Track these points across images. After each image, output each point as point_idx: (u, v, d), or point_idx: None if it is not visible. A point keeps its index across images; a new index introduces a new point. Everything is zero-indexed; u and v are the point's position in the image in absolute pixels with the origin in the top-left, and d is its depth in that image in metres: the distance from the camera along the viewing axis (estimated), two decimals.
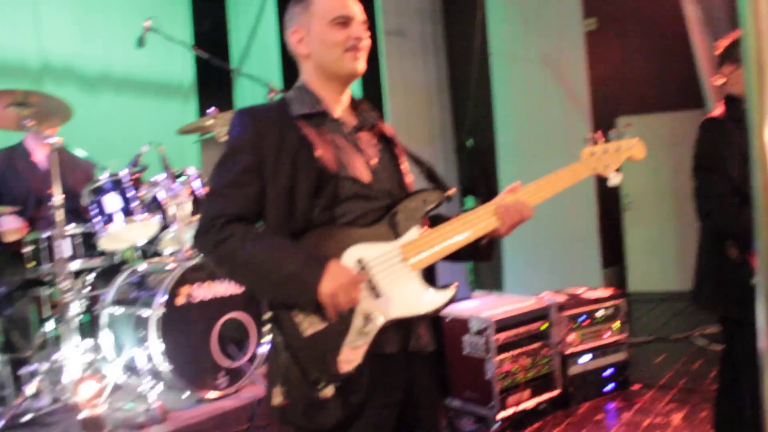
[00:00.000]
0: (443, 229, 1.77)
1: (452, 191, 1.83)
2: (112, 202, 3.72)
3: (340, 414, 1.63)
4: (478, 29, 6.84)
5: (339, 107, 1.86)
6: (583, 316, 4.17)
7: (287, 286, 1.62)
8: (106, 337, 3.72)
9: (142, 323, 3.44)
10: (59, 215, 3.51)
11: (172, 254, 4.03)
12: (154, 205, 3.85)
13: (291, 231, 1.69)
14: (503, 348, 3.80)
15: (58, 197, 3.50)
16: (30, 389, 3.38)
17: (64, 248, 3.62)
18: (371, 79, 7.07)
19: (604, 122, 6.72)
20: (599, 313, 4.23)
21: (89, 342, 3.66)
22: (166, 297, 3.38)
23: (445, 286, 1.74)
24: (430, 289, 1.73)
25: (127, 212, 3.72)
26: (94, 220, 3.75)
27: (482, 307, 3.98)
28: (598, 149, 1.91)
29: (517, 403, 3.79)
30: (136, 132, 6.40)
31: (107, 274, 3.99)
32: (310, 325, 1.63)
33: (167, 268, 3.62)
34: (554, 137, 6.47)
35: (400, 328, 1.73)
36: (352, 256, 1.69)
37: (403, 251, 1.72)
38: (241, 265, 1.65)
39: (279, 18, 7.63)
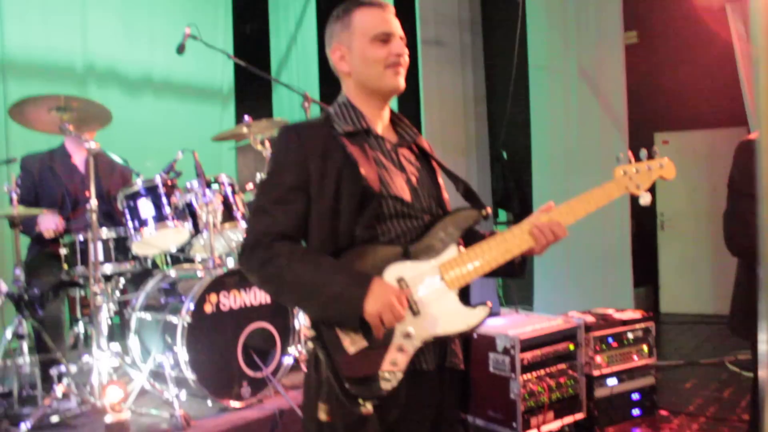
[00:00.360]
0: (480, 248, 1.80)
1: (489, 210, 1.86)
2: (146, 207, 3.78)
3: (378, 430, 1.68)
4: (517, 41, 6.81)
5: (380, 123, 1.90)
6: (611, 338, 4.11)
7: (333, 307, 1.65)
8: (134, 341, 3.78)
9: (169, 330, 3.48)
10: (94, 219, 3.57)
11: (202, 261, 4.08)
12: (187, 212, 3.90)
13: (334, 248, 1.73)
14: (529, 368, 3.76)
15: (93, 201, 3.57)
16: (59, 390, 3.45)
17: (98, 252, 3.69)
18: (407, 88, 7.03)
19: (641, 138, 6.66)
20: (628, 336, 4.17)
21: (118, 345, 3.71)
22: (194, 305, 3.42)
23: (480, 304, 1.78)
24: (466, 307, 1.77)
25: (160, 218, 3.78)
26: (128, 225, 3.81)
27: (509, 325, 3.95)
28: (630, 169, 1.92)
29: (541, 425, 3.75)
30: (175, 135, 6.53)
31: (138, 279, 4.06)
32: (352, 343, 1.66)
33: (197, 275, 3.66)
34: (590, 152, 6.41)
35: (437, 345, 1.78)
36: (392, 274, 1.72)
37: (441, 270, 1.76)
38: (287, 285, 1.69)
39: (319, 24, 7.68)
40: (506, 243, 1.82)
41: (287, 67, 8.07)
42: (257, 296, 3.67)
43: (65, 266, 3.88)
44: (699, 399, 4.53)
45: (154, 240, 3.81)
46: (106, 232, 3.86)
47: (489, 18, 8.10)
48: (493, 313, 3.54)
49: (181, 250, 4.14)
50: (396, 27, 1.86)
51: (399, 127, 1.96)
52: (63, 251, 3.88)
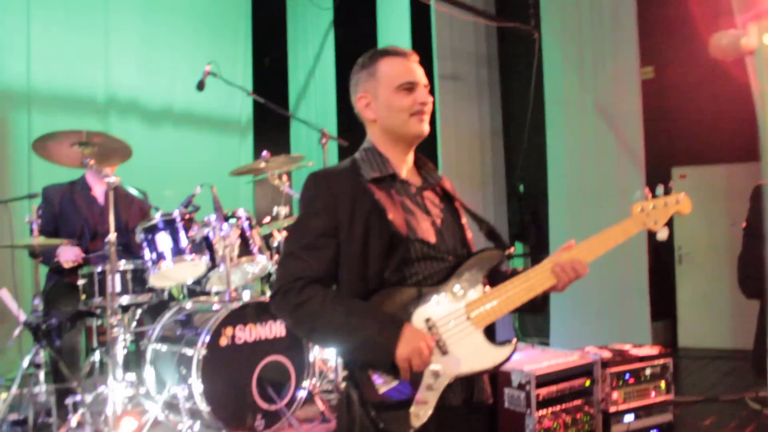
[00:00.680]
0: (504, 288, 1.86)
1: (512, 250, 1.93)
2: (163, 240, 3.83)
3: None
4: (534, 76, 6.85)
5: (405, 167, 1.97)
6: (628, 374, 4.07)
7: (365, 350, 1.72)
8: (149, 372, 3.80)
9: (185, 362, 3.50)
10: (113, 251, 3.62)
11: (218, 294, 4.11)
12: (204, 245, 3.94)
13: (364, 291, 1.79)
14: (544, 403, 3.72)
15: (112, 234, 3.63)
16: (74, 420, 3.47)
17: (116, 283, 3.73)
18: None
19: (658, 172, 6.63)
20: (645, 372, 4.13)
21: (133, 376, 3.73)
22: (209, 337, 3.44)
23: (506, 342, 1.84)
24: (492, 344, 1.83)
25: (178, 251, 3.82)
26: (146, 258, 3.86)
27: (525, 361, 3.92)
28: (647, 205, 1.96)
29: None
30: (193, 166, 6.62)
31: (154, 310, 4.10)
32: (383, 383, 1.73)
33: (213, 308, 3.68)
34: (607, 186, 6.40)
35: (464, 381, 1.83)
36: (421, 315, 1.79)
37: (467, 310, 1.83)
38: (320, 329, 1.76)
39: (337, 58, 7.79)
40: (529, 281, 1.88)
41: (305, 100, 8.17)
42: (272, 329, 3.69)
43: (83, 296, 3.93)
44: None
45: (172, 272, 3.86)
46: (124, 264, 3.91)
47: (505, 53, 8.16)
48: None
49: (198, 282, 4.17)
50: (420, 75, 1.92)
51: (423, 170, 2.03)
52: (81, 282, 3.94)
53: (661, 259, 7.20)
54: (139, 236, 3.92)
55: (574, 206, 6.63)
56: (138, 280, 3.97)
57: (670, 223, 1.97)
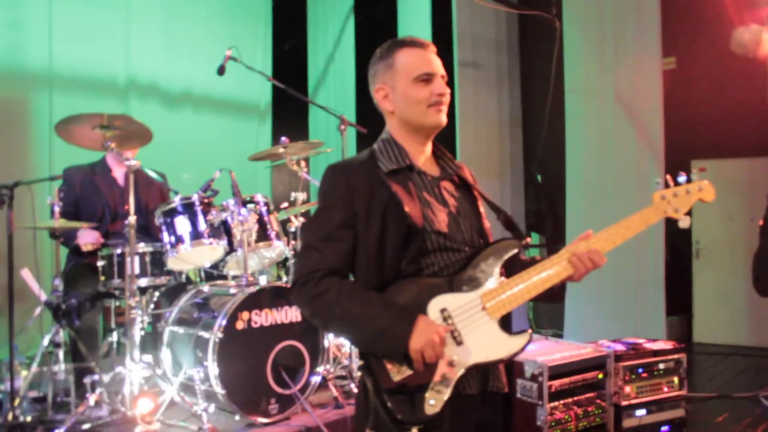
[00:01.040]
0: (520, 278, 1.87)
1: (529, 240, 1.94)
2: (182, 224, 3.86)
3: None
4: (554, 64, 6.80)
5: (423, 157, 1.98)
6: (641, 369, 4.06)
7: (379, 341, 1.74)
8: (166, 354, 3.85)
9: (201, 344, 3.54)
10: (132, 234, 3.66)
11: (235, 278, 4.15)
12: (222, 230, 3.97)
13: (380, 282, 1.82)
14: (556, 395, 3.74)
15: (132, 217, 3.67)
16: (92, 399, 3.53)
17: (135, 265, 3.77)
18: None
19: (677, 164, 6.55)
20: (659, 367, 4.12)
21: (150, 357, 3.78)
22: (226, 320, 3.48)
23: (521, 332, 1.85)
24: (507, 334, 1.84)
25: (197, 235, 3.85)
26: (164, 240, 3.90)
27: (538, 352, 3.93)
28: (668, 193, 1.95)
29: None
30: (212, 149, 6.66)
31: (172, 293, 4.14)
32: (398, 373, 1.75)
33: (230, 292, 3.72)
34: (625, 177, 6.35)
35: (480, 370, 1.85)
36: (436, 306, 1.80)
37: (483, 300, 1.84)
38: (336, 319, 1.78)
39: (357, 43, 7.76)
40: (546, 272, 1.88)
41: (325, 84, 8.16)
42: (288, 314, 3.72)
43: (102, 278, 3.98)
44: None
45: (190, 256, 3.89)
46: (143, 247, 3.95)
47: (526, 41, 8.11)
48: None
49: (215, 266, 4.21)
50: (438, 66, 1.93)
51: (441, 160, 2.03)
52: (101, 263, 3.99)
53: (678, 253, 7.16)
54: (158, 219, 3.96)
55: (591, 197, 6.60)
56: (156, 263, 4.01)
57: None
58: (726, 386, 5.62)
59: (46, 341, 3.78)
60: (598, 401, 3.90)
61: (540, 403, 3.69)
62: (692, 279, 7.48)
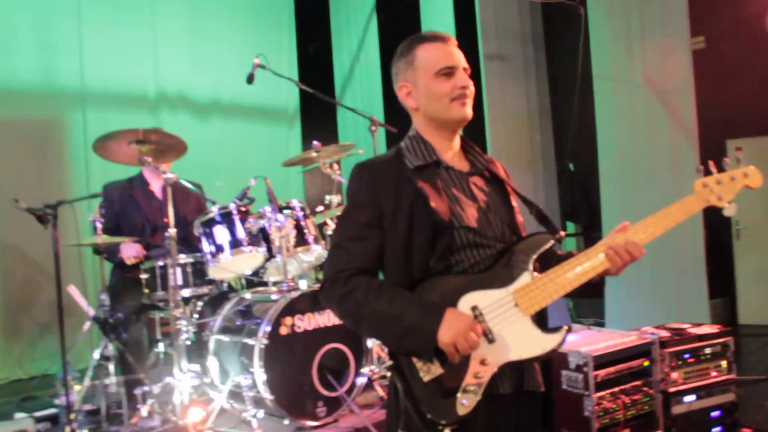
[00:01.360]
0: (554, 273, 1.82)
1: (562, 234, 1.88)
2: (221, 233, 3.91)
3: None
4: (581, 51, 6.73)
5: (450, 153, 1.95)
6: (688, 354, 4.01)
7: (408, 338, 1.70)
8: (212, 362, 3.90)
9: (246, 351, 3.59)
10: (173, 246, 3.72)
11: (276, 284, 4.19)
12: (261, 237, 4.01)
13: (409, 280, 1.79)
14: (602, 385, 3.70)
15: (172, 229, 3.73)
16: (144, 410, 3.59)
17: (177, 276, 3.83)
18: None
19: (712, 146, 6.48)
20: (705, 351, 4.06)
21: (197, 366, 3.84)
22: (270, 327, 3.52)
23: (557, 328, 1.79)
24: (542, 331, 1.78)
25: (236, 243, 3.90)
26: (205, 250, 3.95)
27: (581, 342, 3.90)
28: (711, 180, 1.88)
29: None
30: (243, 156, 6.75)
31: (215, 302, 4.19)
32: (428, 372, 1.72)
33: (272, 298, 3.76)
34: (659, 162, 6.26)
35: (514, 369, 1.80)
36: (466, 303, 1.76)
37: (515, 297, 1.78)
38: (364, 318, 1.76)
39: (381, 42, 7.77)
40: (581, 266, 1.82)
41: (351, 85, 8.19)
42: (330, 318, 3.74)
43: (146, 290, 4.05)
44: None
45: (230, 264, 3.94)
46: (183, 258, 4.01)
47: (551, 30, 8.04)
48: None
49: (255, 273, 4.25)
50: (459, 59, 1.90)
51: (470, 154, 1.99)
52: (144, 276, 4.06)
53: (718, 235, 7.03)
54: (198, 230, 4.01)
55: (625, 183, 6.51)
56: (198, 273, 4.07)
57: None
58: None
59: (96, 355, 3.86)
60: (646, 389, 3.85)
61: (587, 393, 3.66)
62: (734, 260, 7.36)
